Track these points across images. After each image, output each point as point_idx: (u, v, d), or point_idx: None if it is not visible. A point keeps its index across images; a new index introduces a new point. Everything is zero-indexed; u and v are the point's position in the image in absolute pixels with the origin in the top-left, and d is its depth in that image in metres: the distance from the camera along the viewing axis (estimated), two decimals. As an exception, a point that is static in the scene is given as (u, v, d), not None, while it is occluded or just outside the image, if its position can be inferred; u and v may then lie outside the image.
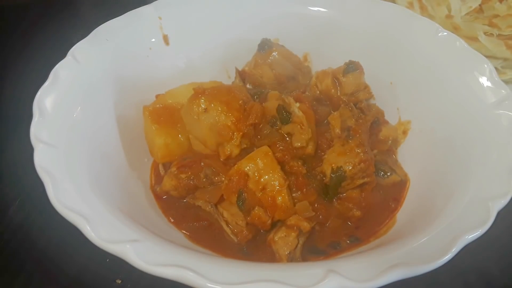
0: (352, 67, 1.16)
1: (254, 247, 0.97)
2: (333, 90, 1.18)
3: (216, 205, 1.00)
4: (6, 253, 1.05)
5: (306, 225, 0.94)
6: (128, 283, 0.98)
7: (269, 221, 0.94)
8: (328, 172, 0.98)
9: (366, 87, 1.20)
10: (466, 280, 0.99)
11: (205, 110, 1.02)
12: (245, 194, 0.94)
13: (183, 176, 1.02)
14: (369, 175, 1.00)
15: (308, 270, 0.74)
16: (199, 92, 1.04)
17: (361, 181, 1.00)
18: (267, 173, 0.94)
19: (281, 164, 0.98)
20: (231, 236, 0.97)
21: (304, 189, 1.00)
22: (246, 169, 0.94)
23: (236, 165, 0.96)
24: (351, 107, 1.09)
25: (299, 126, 1.00)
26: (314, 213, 0.97)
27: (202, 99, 1.03)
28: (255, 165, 0.95)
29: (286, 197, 0.94)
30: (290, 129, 1.00)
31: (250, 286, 0.68)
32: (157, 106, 1.13)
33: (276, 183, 0.94)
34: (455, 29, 1.43)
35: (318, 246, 0.98)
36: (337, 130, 1.03)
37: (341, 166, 0.97)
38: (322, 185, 1.01)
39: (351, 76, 1.16)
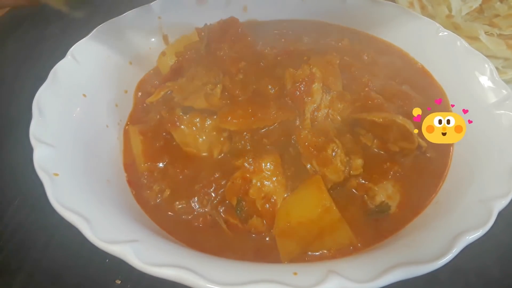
0: None
1: (254, 248, 0.97)
2: None
3: (216, 206, 0.99)
4: (6, 253, 1.05)
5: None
6: (128, 283, 0.98)
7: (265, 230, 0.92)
8: (379, 200, 0.94)
9: None
10: (466, 280, 0.99)
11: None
12: (244, 202, 0.92)
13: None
14: None
15: (308, 271, 0.74)
16: None
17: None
18: (271, 182, 0.92)
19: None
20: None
21: None
22: (249, 175, 0.91)
23: (241, 168, 0.93)
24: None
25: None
26: None
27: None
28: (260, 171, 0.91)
29: None
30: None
31: (250, 286, 0.68)
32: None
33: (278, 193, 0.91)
34: (455, 29, 1.43)
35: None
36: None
37: (390, 206, 0.94)
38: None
39: None
